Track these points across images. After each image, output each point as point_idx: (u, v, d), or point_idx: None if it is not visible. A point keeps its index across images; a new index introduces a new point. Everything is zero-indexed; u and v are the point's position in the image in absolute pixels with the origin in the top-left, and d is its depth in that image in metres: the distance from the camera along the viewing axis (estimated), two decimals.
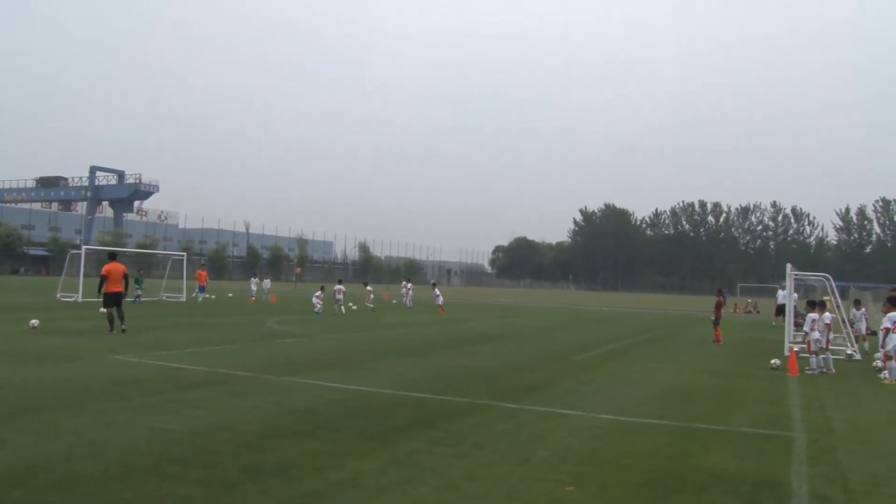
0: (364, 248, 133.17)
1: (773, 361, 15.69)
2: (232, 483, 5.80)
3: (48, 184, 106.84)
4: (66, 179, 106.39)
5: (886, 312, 14.52)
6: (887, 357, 14.19)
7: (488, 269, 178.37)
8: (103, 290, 18.25)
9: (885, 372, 14.18)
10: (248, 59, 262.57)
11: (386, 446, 7.23)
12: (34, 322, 18.09)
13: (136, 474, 5.91)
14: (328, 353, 15.69)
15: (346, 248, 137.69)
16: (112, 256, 19.27)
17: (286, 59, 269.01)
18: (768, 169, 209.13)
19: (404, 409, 9.34)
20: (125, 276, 18.79)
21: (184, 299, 35.55)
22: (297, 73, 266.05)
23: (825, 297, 20.24)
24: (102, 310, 18.88)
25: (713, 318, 22.34)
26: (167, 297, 35.90)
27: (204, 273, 38.73)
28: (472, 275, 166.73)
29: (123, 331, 17.71)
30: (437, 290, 37.26)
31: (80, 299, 30.63)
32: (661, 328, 28.49)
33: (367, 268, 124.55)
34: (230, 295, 40.95)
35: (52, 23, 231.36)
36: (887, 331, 14.05)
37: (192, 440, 7.14)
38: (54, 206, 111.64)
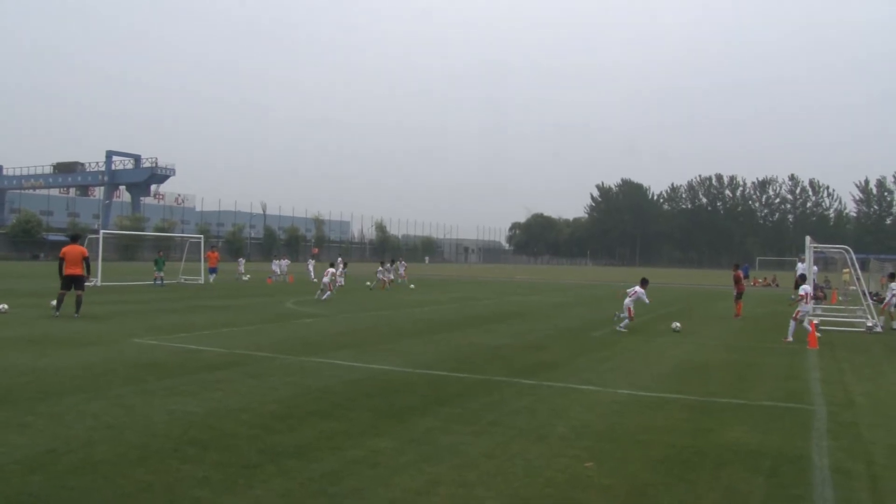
0: (381, 228, 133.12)
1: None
2: (251, 464, 5.83)
3: (65, 169, 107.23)
4: (82, 165, 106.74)
5: None
6: None
7: (506, 246, 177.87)
8: (63, 273, 17.83)
9: None
10: (261, 37, 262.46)
11: (403, 425, 7.24)
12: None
13: (154, 457, 5.96)
14: (345, 332, 15.72)
15: (362, 227, 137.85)
16: (73, 238, 18.86)
17: (299, 32, 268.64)
18: (786, 141, 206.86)
19: (421, 387, 9.35)
20: (85, 259, 18.30)
21: (202, 282, 35.73)
22: (310, 47, 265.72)
23: (845, 270, 20.02)
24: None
25: (735, 293, 22.19)
26: (185, 280, 36.12)
27: (215, 255, 38.63)
28: (489, 252, 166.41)
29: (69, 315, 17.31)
30: (390, 265, 37.51)
31: (98, 283, 30.91)
32: (678, 303, 28.29)
33: (384, 247, 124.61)
34: (246, 277, 41.00)
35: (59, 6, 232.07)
36: None
37: (210, 422, 7.18)
38: (72, 191, 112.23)
